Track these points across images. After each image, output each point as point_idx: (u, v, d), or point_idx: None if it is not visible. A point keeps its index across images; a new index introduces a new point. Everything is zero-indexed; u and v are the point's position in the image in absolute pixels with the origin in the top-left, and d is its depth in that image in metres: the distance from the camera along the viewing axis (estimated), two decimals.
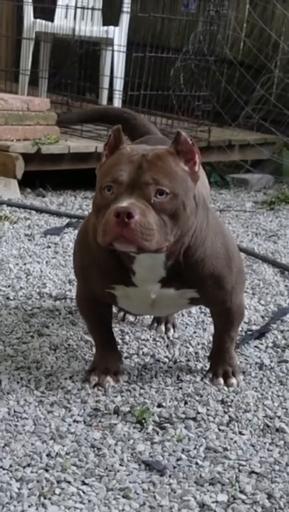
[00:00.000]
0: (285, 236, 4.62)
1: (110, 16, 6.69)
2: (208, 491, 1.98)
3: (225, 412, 2.39)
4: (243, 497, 1.96)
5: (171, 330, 2.95)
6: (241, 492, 1.98)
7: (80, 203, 5.02)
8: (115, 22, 6.45)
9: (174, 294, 2.37)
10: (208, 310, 3.18)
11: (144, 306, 2.42)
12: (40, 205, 4.86)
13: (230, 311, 2.51)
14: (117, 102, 6.34)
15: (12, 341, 2.76)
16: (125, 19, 6.38)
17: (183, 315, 3.15)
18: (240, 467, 2.09)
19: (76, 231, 4.28)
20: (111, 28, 6.41)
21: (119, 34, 6.37)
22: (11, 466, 2.02)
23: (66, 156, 5.24)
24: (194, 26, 6.42)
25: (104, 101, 6.75)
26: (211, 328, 3.01)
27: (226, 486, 2.00)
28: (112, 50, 6.42)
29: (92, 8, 6.52)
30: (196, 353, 2.80)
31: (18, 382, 2.46)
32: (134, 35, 6.21)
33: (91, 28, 6.48)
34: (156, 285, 2.34)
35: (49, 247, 3.97)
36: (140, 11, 5.66)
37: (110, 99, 6.59)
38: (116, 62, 6.39)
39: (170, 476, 2.03)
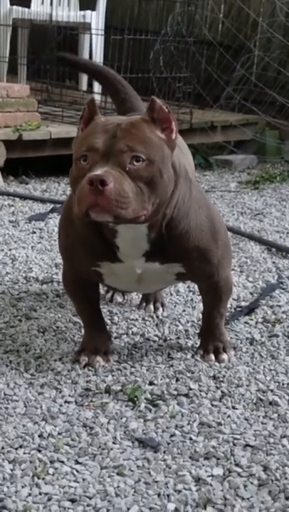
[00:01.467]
0: (270, 214, 4.60)
1: (87, 1, 6.64)
2: (203, 465, 1.96)
3: (217, 388, 2.37)
4: (239, 470, 1.94)
5: (160, 309, 2.93)
6: (237, 465, 1.96)
7: (63, 189, 4.98)
8: (92, 6, 6.39)
9: (159, 268, 2.34)
10: (196, 288, 3.16)
11: (131, 282, 2.39)
12: (23, 192, 4.81)
13: (217, 286, 2.48)
14: (97, 87, 6.29)
15: (0, 325, 2.73)
16: (102, 3, 6.34)
17: (171, 294, 3.12)
18: (235, 441, 2.07)
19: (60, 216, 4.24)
20: (88, 12, 6.36)
21: (96, 18, 6.32)
22: (2, 448, 1.99)
23: (48, 141, 5.19)
24: (172, 8, 6.37)
25: (84, 86, 6.71)
26: (200, 306, 2.98)
27: (221, 460, 1.98)
28: (90, 34, 6.37)
29: None
30: (186, 330, 2.78)
31: (7, 366, 2.43)
32: (111, 18, 6.16)
33: (68, 13, 6.42)
34: (141, 259, 2.31)
35: (34, 232, 3.93)
36: None
37: (90, 84, 6.55)
38: (94, 46, 6.35)
39: (164, 452, 2.01)
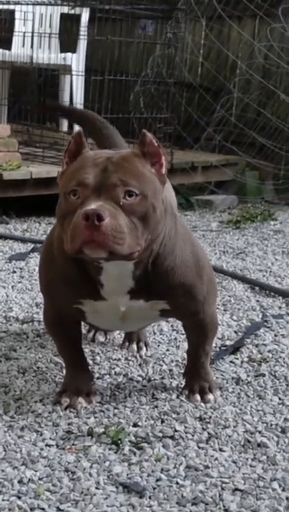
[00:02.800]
0: (252, 253, 4.57)
1: (68, 43, 6.67)
2: (190, 511, 1.87)
3: (203, 429, 2.29)
4: None
5: (144, 348, 2.85)
6: (226, 511, 1.88)
7: (44, 229, 4.92)
8: (73, 49, 6.42)
9: (143, 305, 2.28)
10: (180, 327, 3.10)
11: (114, 320, 2.33)
12: (3, 232, 4.74)
13: (203, 323, 2.42)
14: (78, 128, 6.28)
15: None
16: (82, 45, 6.36)
17: (155, 333, 3.06)
18: (223, 485, 1.99)
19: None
20: (69, 54, 6.39)
21: (77, 60, 6.34)
22: None
23: (29, 181, 5.14)
24: (152, 50, 6.41)
25: (64, 128, 6.70)
26: (185, 345, 2.93)
27: (210, 506, 1.90)
28: (71, 76, 6.39)
29: (50, 35, 6.48)
30: (170, 370, 2.71)
31: None
32: (92, 61, 6.18)
33: (49, 55, 6.44)
34: (125, 297, 2.24)
35: (14, 272, 3.86)
36: (97, 34, 5.61)
37: (71, 126, 6.54)
38: (75, 87, 6.36)
39: (150, 498, 1.92)
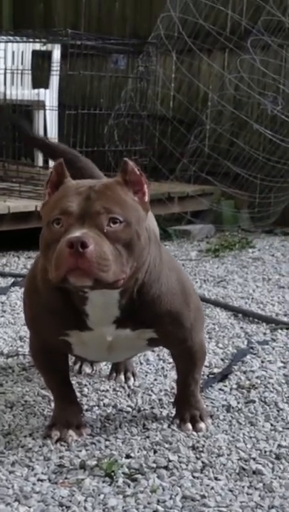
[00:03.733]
0: (233, 281, 4.57)
1: (40, 79, 6.71)
2: None
3: (197, 458, 2.26)
4: None
5: (132, 378, 2.82)
6: None
7: (24, 263, 4.89)
8: (45, 84, 6.46)
9: (130, 334, 2.25)
10: (166, 356, 3.08)
11: (101, 350, 2.29)
12: None
13: (191, 351, 2.40)
14: (53, 163, 6.29)
15: None
16: (55, 81, 6.40)
17: (141, 363, 3.02)
18: None
19: (22, 289, 4.14)
20: (42, 90, 6.42)
21: (50, 96, 6.37)
22: None
23: (6, 216, 5.12)
24: (124, 84, 6.46)
25: (40, 163, 6.69)
26: (172, 375, 2.91)
27: None
28: (44, 111, 6.41)
29: (22, 72, 6.50)
30: (160, 399, 2.67)
31: None
32: (65, 96, 6.21)
33: (22, 91, 6.46)
34: (112, 326, 2.22)
35: None
36: (70, 69, 5.64)
37: (46, 161, 6.54)
38: (49, 122, 6.38)
39: None
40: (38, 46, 6.50)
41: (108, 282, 1.98)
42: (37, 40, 6.03)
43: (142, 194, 2.12)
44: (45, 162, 6.56)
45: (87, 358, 2.42)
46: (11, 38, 6.41)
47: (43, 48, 6.42)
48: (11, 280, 4.36)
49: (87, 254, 1.92)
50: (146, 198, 2.13)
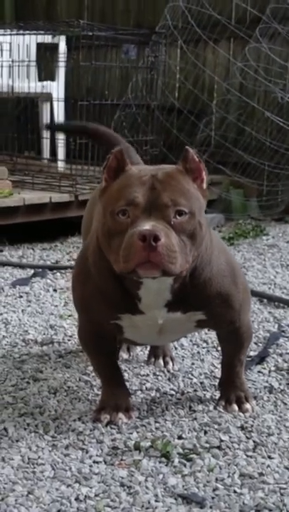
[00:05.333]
0: (252, 267, 4.57)
1: (46, 72, 6.71)
2: None
3: (248, 438, 2.26)
4: None
5: (170, 363, 2.82)
6: None
7: (39, 255, 4.87)
8: (52, 76, 6.45)
9: (181, 317, 2.26)
10: (199, 341, 3.08)
11: (152, 333, 2.30)
12: (1, 259, 4.69)
13: (239, 332, 2.40)
14: (61, 155, 6.29)
15: (8, 389, 2.59)
16: (62, 73, 6.38)
17: (176, 348, 3.03)
18: (282, 490, 1.96)
19: (43, 280, 4.13)
20: (48, 82, 6.41)
21: (57, 88, 6.35)
22: None
23: (21, 208, 5.10)
24: (134, 74, 6.45)
25: (46, 154, 6.68)
26: (209, 358, 2.92)
27: (274, 511, 1.86)
28: (51, 103, 6.40)
29: (28, 64, 6.48)
30: (202, 383, 2.68)
31: (25, 429, 2.29)
32: (75, 88, 6.19)
33: (28, 84, 6.44)
34: (163, 310, 2.22)
35: (21, 296, 3.81)
36: (82, 60, 5.62)
37: (53, 153, 6.53)
38: (56, 114, 6.35)
39: (211, 507, 1.89)
40: (43, 38, 6.49)
41: (175, 273, 2.01)
42: (48, 32, 6.00)
43: (200, 181, 2.12)
44: (52, 155, 6.56)
45: (137, 341, 2.42)
46: (16, 30, 6.39)
47: (51, 41, 6.40)
48: (30, 271, 4.34)
49: (159, 247, 1.93)
50: (205, 185, 2.13)
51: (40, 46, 6.63)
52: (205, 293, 2.23)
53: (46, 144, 6.64)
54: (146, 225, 1.95)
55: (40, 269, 4.36)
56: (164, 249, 1.94)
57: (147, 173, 2.06)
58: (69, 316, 3.45)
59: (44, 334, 3.19)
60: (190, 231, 2.03)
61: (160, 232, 1.94)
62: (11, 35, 6.50)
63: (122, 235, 1.99)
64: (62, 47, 6.31)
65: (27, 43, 6.59)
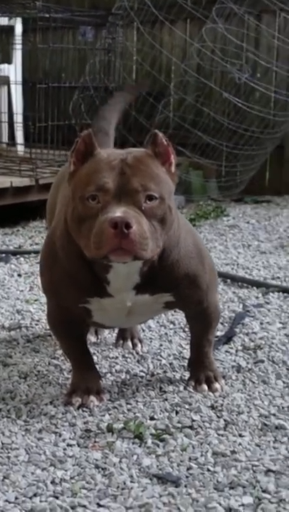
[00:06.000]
0: (214, 248, 4.61)
1: (2, 55, 6.62)
2: (230, 495, 1.87)
3: (218, 417, 2.29)
4: (268, 496, 1.86)
5: (139, 345, 2.84)
6: (264, 491, 1.88)
7: (1, 240, 4.83)
8: (7, 59, 6.37)
9: (149, 299, 2.27)
10: (166, 323, 3.10)
11: (120, 316, 2.31)
12: None
13: (206, 312, 2.42)
14: (20, 139, 6.23)
15: None
16: (19, 55, 6.30)
17: (144, 330, 3.04)
18: (254, 467, 1.99)
19: (7, 265, 4.11)
20: (5, 65, 6.33)
21: (14, 71, 6.27)
22: (16, 498, 1.85)
23: None
24: (91, 56, 6.41)
25: (5, 138, 6.60)
26: (177, 339, 2.95)
27: (248, 488, 1.90)
28: (8, 85, 6.32)
29: None
30: (171, 364, 2.70)
31: None
32: (32, 71, 6.13)
33: None
34: (131, 292, 2.23)
35: None
36: (39, 42, 5.56)
37: (12, 137, 6.46)
38: (14, 98, 6.28)
39: (186, 486, 1.91)
40: None
41: (146, 258, 2.03)
42: (5, 14, 5.92)
43: (169, 165, 2.13)
44: (11, 139, 6.50)
45: (105, 324, 2.43)
46: None
47: (7, 23, 6.31)
48: None
49: (131, 234, 1.94)
50: (173, 169, 2.14)
51: None
52: (173, 275, 2.25)
53: (5, 127, 6.57)
54: (118, 212, 1.95)
55: (4, 254, 4.33)
56: (136, 236, 1.95)
57: (116, 158, 2.06)
58: (35, 300, 3.44)
59: (11, 319, 3.18)
60: (160, 216, 2.04)
61: (131, 219, 1.95)
62: None
63: (92, 220, 2.00)
64: (19, 29, 6.23)
65: None
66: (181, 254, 2.25)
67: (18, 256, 4.32)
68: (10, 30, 6.40)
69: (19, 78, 6.30)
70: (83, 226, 2.02)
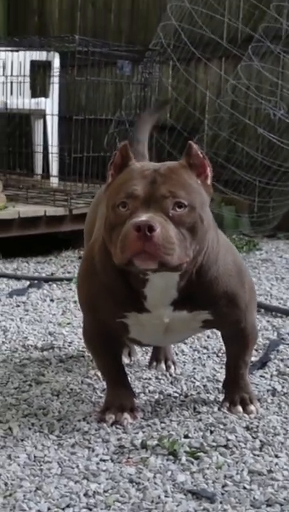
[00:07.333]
0: (258, 279, 4.57)
1: (40, 87, 6.74)
2: None
3: (254, 438, 2.25)
4: None
5: (172, 367, 2.81)
6: None
7: (34, 268, 4.86)
8: (44, 93, 6.48)
9: (187, 316, 2.25)
10: (200, 348, 3.07)
11: (158, 333, 2.29)
12: None
13: (244, 332, 2.40)
14: (55, 167, 6.30)
15: (10, 391, 2.57)
16: (56, 89, 6.40)
17: (177, 353, 3.01)
18: None
19: (40, 291, 4.12)
20: (42, 99, 6.44)
21: (50, 104, 6.37)
22: (49, 508, 1.82)
23: (15, 221, 5.09)
24: (127, 90, 6.49)
25: (39, 170, 6.68)
26: (210, 363, 2.92)
27: (285, 506, 1.85)
28: (44, 119, 6.42)
29: (22, 81, 6.50)
30: (204, 386, 2.67)
31: (29, 429, 2.27)
32: (70, 103, 6.22)
33: (22, 100, 6.47)
34: (169, 308, 2.21)
35: (18, 305, 3.79)
36: (77, 76, 5.65)
37: (46, 169, 6.54)
38: (50, 130, 6.36)
39: (221, 503, 1.87)
40: (36, 55, 6.53)
41: (173, 265, 1.99)
42: (43, 48, 6.04)
43: (204, 177, 2.13)
44: (45, 171, 6.57)
45: (142, 341, 2.40)
46: (11, 46, 6.43)
47: (45, 58, 6.44)
48: (26, 283, 4.32)
49: (154, 237, 1.93)
50: (209, 181, 2.14)
51: (34, 63, 6.68)
52: (211, 292, 2.23)
53: (39, 159, 6.65)
54: (143, 216, 1.95)
55: (36, 281, 4.34)
56: (159, 239, 1.93)
57: (150, 168, 2.07)
58: (68, 323, 3.44)
59: (44, 340, 3.17)
60: (190, 224, 2.02)
61: (155, 222, 1.94)
62: (5, 51, 6.55)
63: (121, 227, 2.00)
64: (57, 63, 6.35)
65: (21, 59, 6.65)
66: (220, 271, 2.24)
67: (50, 283, 4.33)
68: (48, 64, 6.53)
69: (55, 111, 6.39)
70: (114, 234, 2.03)
